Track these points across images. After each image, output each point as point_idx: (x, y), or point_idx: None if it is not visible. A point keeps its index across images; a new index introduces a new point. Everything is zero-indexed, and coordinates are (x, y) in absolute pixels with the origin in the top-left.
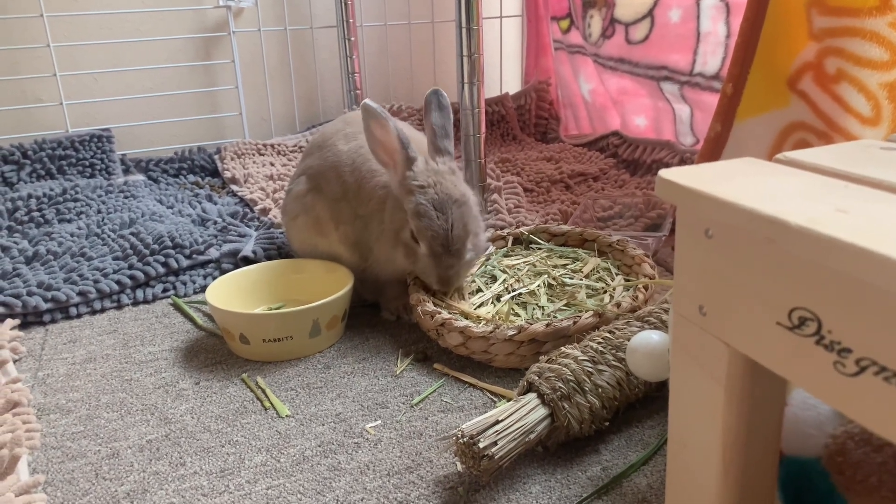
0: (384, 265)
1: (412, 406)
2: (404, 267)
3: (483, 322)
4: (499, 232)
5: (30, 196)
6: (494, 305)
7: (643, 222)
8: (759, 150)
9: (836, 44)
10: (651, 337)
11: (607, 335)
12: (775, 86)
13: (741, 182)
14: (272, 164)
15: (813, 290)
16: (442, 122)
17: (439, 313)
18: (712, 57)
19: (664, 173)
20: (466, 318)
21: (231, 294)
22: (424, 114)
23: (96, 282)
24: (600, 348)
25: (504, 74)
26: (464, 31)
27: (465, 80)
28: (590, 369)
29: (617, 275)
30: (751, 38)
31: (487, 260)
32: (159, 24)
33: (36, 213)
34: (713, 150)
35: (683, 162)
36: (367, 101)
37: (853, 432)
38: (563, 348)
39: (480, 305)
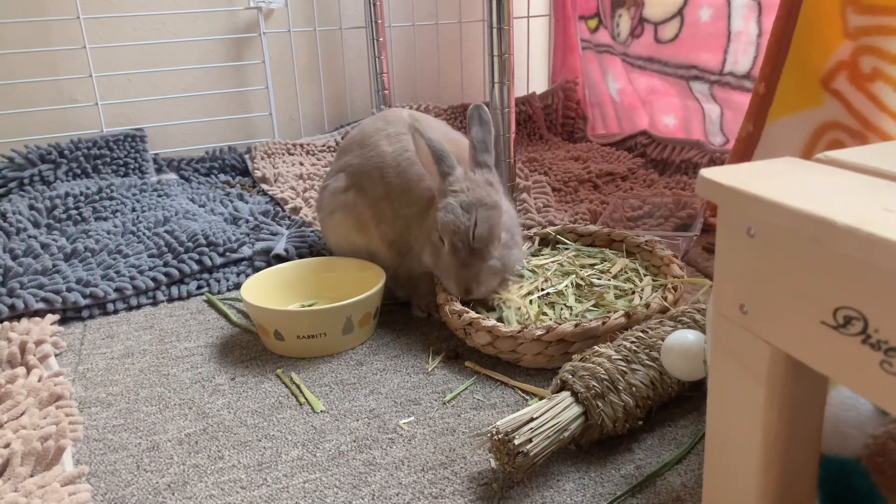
0: (420, 263)
1: (445, 403)
2: (430, 266)
3: (525, 317)
4: (526, 232)
5: (67, 194)
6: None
7: (673, 222)
8: (792, 150)
9: (871, 42)
10: (686, 336)
11: (640, 334)
12: (809, 85)
13: (784, 181)
14: (301, 164)
15: (859, 290)
16: (482, 136)
17: (467, 312)
18: (743, 56)
19: (706, 172)
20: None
21: (265, 291)
22: (468, 128)
23: (132, 278)
24: (634, 347)
25: (531, 74)
26: (494, 31)
27: (496, 79)
28: (623, 368)
29: (645, 275)
30: (784, 36)
31: None
32: (191, 26)
33: (73, 212)
34: (745, 149)
35: (713, 162)
36: (414, 124)
37: (894, 433)
38: (596, 347)
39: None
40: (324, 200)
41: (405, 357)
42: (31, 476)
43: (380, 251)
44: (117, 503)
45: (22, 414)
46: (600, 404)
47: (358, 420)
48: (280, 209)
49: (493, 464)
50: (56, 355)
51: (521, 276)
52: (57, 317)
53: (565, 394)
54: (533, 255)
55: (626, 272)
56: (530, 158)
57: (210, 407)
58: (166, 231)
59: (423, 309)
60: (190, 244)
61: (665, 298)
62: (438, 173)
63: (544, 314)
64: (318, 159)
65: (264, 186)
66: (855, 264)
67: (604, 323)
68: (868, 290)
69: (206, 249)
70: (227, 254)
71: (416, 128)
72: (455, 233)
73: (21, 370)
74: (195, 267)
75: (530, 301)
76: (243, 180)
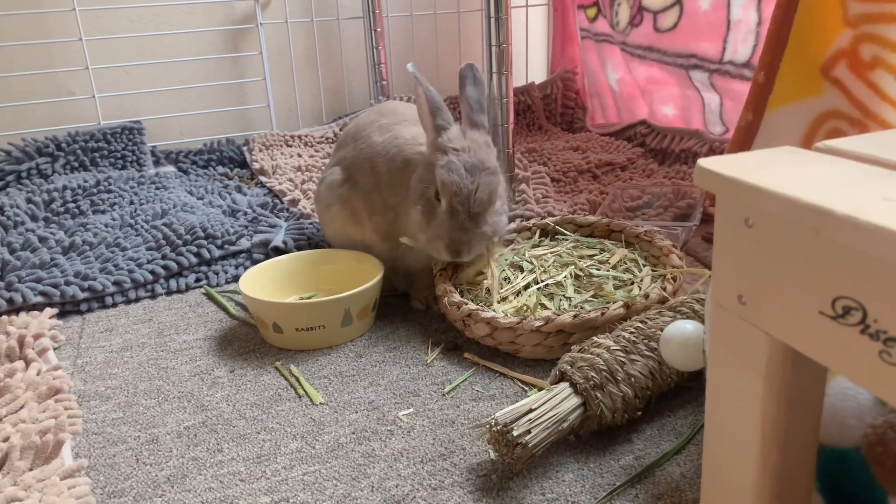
0: (413, 253)
1: (444, 394)
2: (417, 226)
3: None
4: (525, 223)
5: (65, 187)
6: (520, 295)
7: (672, 212)
8: (792, 139)
9: (872, 30)
10: (685, 327)
11: (639, 325)
12: (808, 74)
13: (782, 171)
14: (300, 156)
15: (858, 280)
16: (477, 95)
17: (465, 304)
18: (743, 45)
19: (703, 162)
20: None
21: (264, 284)
22: (459, 88)
23: (131, 272)
24: (633, 338)
25: (530, 63)
26: (492, 20)
27: (494, 69)
28: (622, 359)
29: (644, 266)
30: (783, 25)
31: (514, 250)
32: (188, 17)
33: (71, 205)
34: (744, 138)
35: (712, 151)
36: (409, 65)
37: (894, 422)
38: (595, 338)
39: (504, 300)
40: (321, 193)
41: (404, 349)
42: (31, 470)
43: (374, 243)
44: (117, 496)
45: (21, 408)
46: (599, 395)
47: (357, 412)
48: (278, 201)
49: (493, 455)
50: (55, 349)
51: (510, 242)
52: (55, 310)
53: (564, 385)
54: (532, 245)
55: (625, 262)
56: (529, 149)
57: (209, 400)
58: (164, 224)
59: (421, 301)
60: (188, 237)
61: (664, 289)
62: (433, 127)
63: (543, 305)
64: (317, 151)
65: (262, 178)
66: (853, 254)
67: (603, 314)
68: (867, 280)
69: (204, 242)
70: (226, 246)
71: (416, 75)
72: (456, 194)
73: (20, 364)
74: (193, 260)
75: (530, 294)
76: (241, 172)
